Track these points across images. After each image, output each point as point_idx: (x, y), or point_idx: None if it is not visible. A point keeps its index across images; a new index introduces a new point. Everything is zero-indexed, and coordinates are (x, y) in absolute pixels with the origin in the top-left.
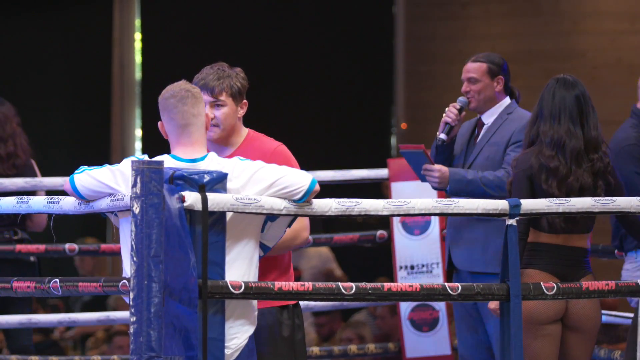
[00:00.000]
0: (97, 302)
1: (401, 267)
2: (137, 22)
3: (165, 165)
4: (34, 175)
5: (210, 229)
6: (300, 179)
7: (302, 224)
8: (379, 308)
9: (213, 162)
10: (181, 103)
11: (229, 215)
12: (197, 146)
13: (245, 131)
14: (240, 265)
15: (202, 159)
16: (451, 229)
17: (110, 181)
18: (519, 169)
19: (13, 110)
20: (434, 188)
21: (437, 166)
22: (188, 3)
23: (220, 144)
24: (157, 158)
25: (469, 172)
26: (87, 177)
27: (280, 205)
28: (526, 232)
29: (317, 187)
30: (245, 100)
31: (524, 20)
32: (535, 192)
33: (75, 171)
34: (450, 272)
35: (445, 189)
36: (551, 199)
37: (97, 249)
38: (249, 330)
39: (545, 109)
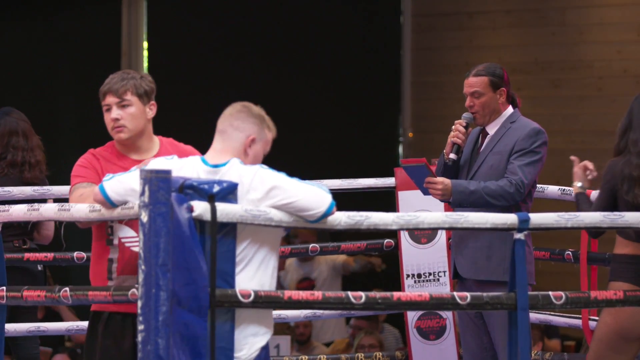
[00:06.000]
0: None
1: (408, 276)
2: (145, 33)
3: (192, 167)
4: (46, 185)
5: (221, 238)
6: (318, 203)
7: None
8: None
9: (234, 168)
10: (229, 112)
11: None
12: (226, 154)
13: (156, 138)
14: (263, 273)
15: (224, 164)
16: (456, 238)
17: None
18: (605, 180)
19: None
20: (440, 200)
21: (439, 178)
22: (195, 13)
23: (131, 148)
24: (189, 159)
25: (472, 183)
26: (117, 183)
27: (289, 218)
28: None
29: (335, 211)
30: (153, 102)
31: (530, 30)
32: (618, 203)
33: (104, 179)
34: (455, 281)
35: (449, 201)
36: (560, 213)
37: None
38: (262, 340)
39: (635, 119)
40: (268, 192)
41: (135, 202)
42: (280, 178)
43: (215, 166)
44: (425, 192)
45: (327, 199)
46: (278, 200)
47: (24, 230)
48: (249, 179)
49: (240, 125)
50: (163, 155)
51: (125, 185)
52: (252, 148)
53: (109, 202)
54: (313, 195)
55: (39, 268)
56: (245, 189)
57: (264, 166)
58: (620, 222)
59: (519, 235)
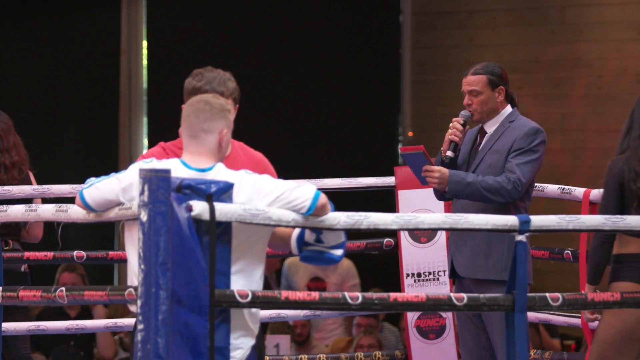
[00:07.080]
0: None
1: (408, 275)
2: (144, 32)
3: (175, 171)
4: (29, 184)
5: (216, 238)
6: (304, 193)
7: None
8: None
9: (220, 173)
10: (194, 115)
11: (236, 225)
12: (205, 157)
13: None
14: (251, 274)
15: (210, 169)
16: (454, 236)
17: (116, 192)
18: (610, 176)
19: (11, 121)
20: (435, 189)
21: (436, 167)
22: (195, 12)
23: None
24: (167, 162)
25: (470, 175)
26: (96, 191)
27: (288, 217)
28: (612, 235)
29: (322, 199)
30: (237, 105)
31: (530, 29)
32: (625, 198)
33: (84, 186)
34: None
35: (445, 191)
36: (561, 215)
37: (105, 256)
38: (252, 340)
39: (636, 120)
40: (258, 191)
41: (131, 204)
42: (266, 177)
43: (202, 170)
44: (424, 180)
45: (312, 189)
46: (270, 196)
47: (7, 231)
48: (236, 182)
49: (210, 127)
50: (235, 157)
51: (102, 194)
52: (225, 138)
53: (89, 209)
54: (297, 188)
55: (22, 269)
56: (235, 192)
57: (249, 171)
58: (622, 225)
59: (520, 237)
